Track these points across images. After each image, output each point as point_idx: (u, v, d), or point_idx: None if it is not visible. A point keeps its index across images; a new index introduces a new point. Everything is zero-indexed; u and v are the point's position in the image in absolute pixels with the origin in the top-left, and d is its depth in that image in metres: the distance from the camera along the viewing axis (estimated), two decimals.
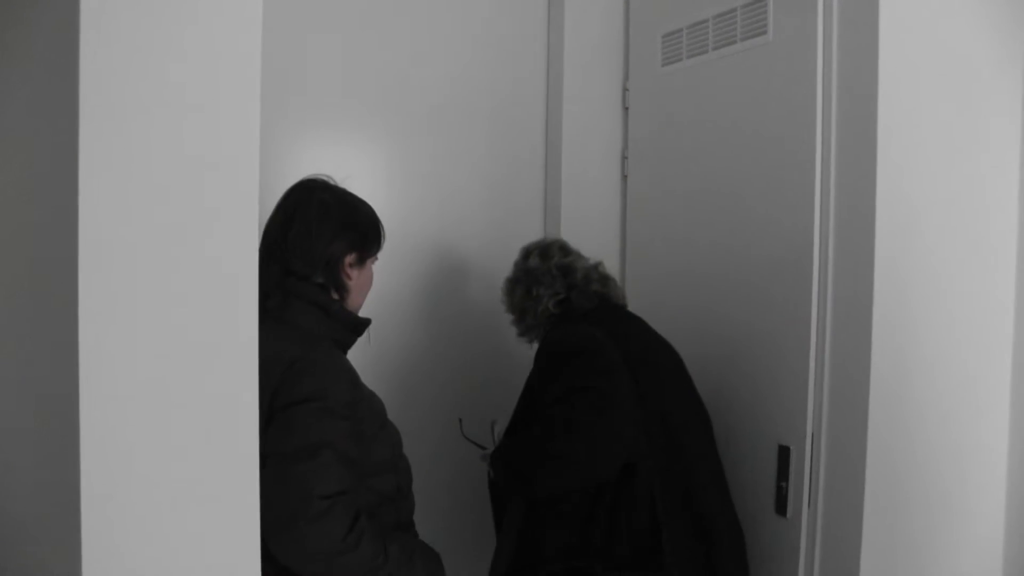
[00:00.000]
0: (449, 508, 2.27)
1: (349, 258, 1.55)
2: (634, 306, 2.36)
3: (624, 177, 2.46)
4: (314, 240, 1.51)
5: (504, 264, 2.05)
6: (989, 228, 1.83)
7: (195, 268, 1.03)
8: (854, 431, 1.70)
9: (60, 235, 1.00)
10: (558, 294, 1.91)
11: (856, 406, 1.70)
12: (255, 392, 1.08)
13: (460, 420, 2.13)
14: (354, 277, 1.57)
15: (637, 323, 1.93)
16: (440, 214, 2.38)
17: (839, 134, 1.75)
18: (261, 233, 1.54)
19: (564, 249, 1.99)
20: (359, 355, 1.61)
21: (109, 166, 0.97)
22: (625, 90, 2.44)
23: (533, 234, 2.40)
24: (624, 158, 2.46)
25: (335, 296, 1.54)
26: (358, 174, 1.79)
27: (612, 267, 2.42)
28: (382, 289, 1.66)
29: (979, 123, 1.81)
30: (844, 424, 1.74)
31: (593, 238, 2.44)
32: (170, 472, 1.02)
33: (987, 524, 1.87)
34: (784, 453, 1.85)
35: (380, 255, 1.63)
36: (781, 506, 1.85)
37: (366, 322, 1.58)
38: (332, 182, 1.60)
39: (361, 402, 1.47)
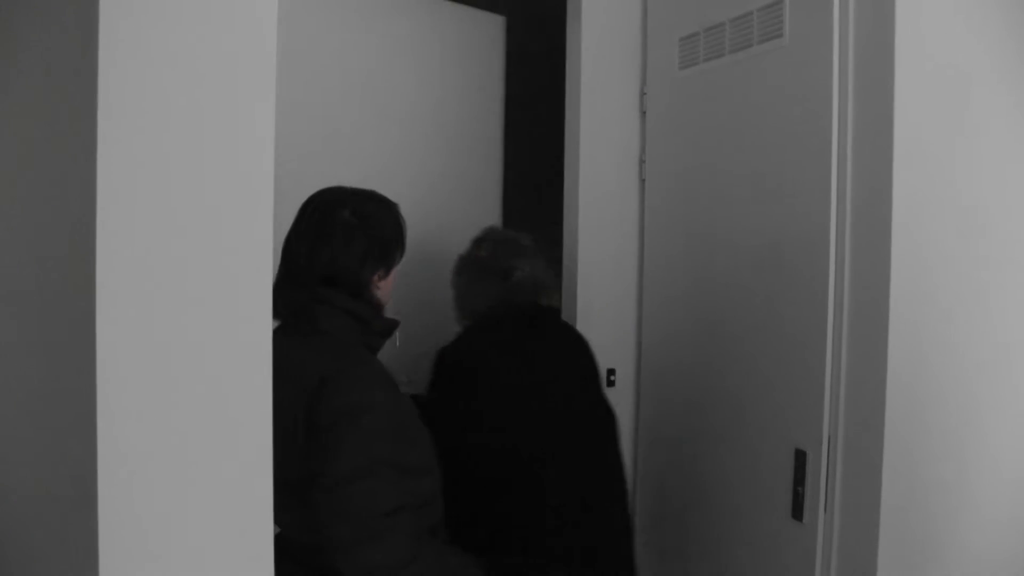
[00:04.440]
0: None
1: (377, 276, 1.56)
2: (650, 309, 2.37)
3: (642, 181, 2.46)
4: (341, 266, 1.51)
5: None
6: (1011, 227, 1.81)
7: (208, 268, 1.06)
8: (871, 434, 1.69)
9: (78, 237, 1.02)
10: (490, 301, 1.96)
11: (873, 409, 1.69)
12: (268, 389, 1.10)
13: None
14: (382, 288, 1.58)
15: (541, 332, 1.96)
16: (454, 220, 2.41)
17: (855, 136, 1.74)
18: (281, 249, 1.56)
19: (515, 248, 2.02)
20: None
21: (126, 172, 1.00)
22: (643, 94, 2.45)
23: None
24: (642, 162, 2.46)
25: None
26: (377, 180, 1.80)
27: (630, 272, 2.46)
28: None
29: (999, 123, 1.79)
30: (861, 427, 1.72)
31: (611, 243, 2.46)
32: (184, 472, 1.04)
33: (1010, 528, 1.84)
34: (800, 457, 1.83)
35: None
36: (798, 511, 1.84)
37: (396, 324, 1.59)
38: (348, 190, 1.59)
39: (401, 405, 1.47)
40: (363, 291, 1.54)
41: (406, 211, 1.65)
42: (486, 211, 2.64)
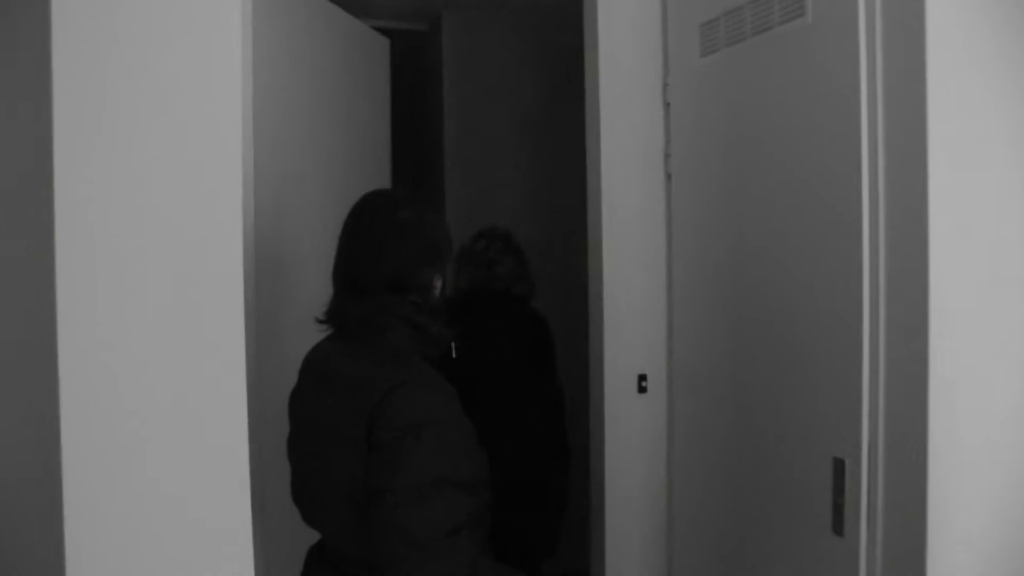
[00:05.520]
0: None
1: (435, 278, 1.54)
2: (680, 311, 2.28)
3: (668, 176, 2.35)
4: (406, 269, 1.49)
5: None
6: None
7: (176, 272, 1.03)
8: (914, 440, 1.55)
9: (36, 237, 1.00)
10: (471, 284, 2.54)
11: (915, 412, 1.55)
12: (243, 396, 1.08)
13: None
14: (438, 290, 1.57)
15: (489, 311, 2.50)
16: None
17: (886, 117, 1.61)
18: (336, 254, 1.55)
19: (503, 246, 2.54)
20: None
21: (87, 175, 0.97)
22: (665, 85, 2.34)
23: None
24: (667, 156, 2.35)
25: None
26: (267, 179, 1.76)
27: (658, 272, 2.38)
28: None
29: None
30: (903, 433, 1.59)
31: (638, 241, 2.37)
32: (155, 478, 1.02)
33: None
34: (839, 466, 1.70)
35: None
36: (838, 524, 1.71)
37: (452, 336, 1.56)
38: (396, 192, 1.59)
39: (460, 418, 1.45)
40: (427, 294, 1.52)
41: (298, 211, 1.70)
42: None
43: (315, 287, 1.62)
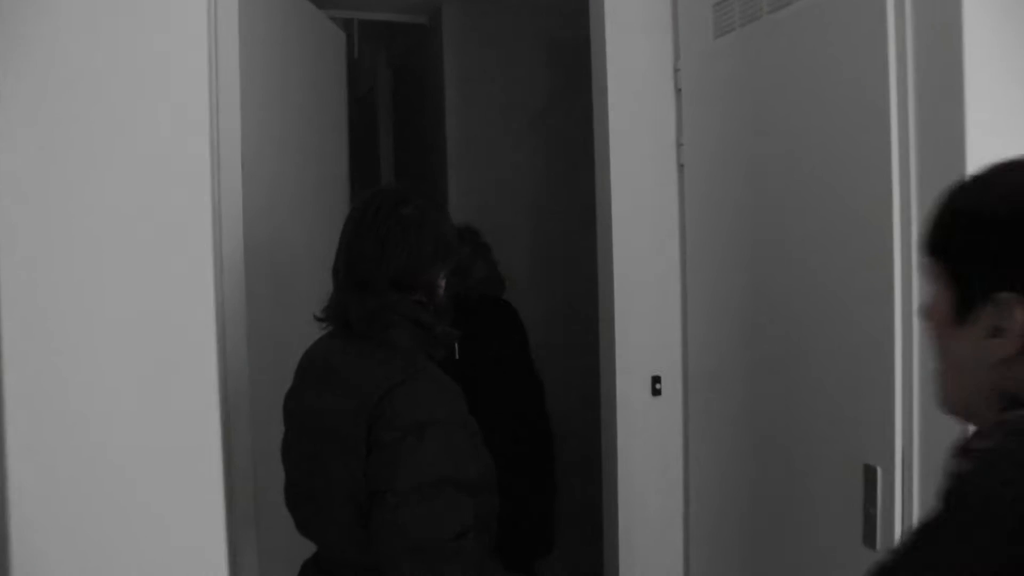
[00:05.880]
0: None
1: (440, 276, 1.51)
2: (695, 309, 2.19)
3: (680, 166, 2.24)
4: (411, 266, 1.45)
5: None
6: None
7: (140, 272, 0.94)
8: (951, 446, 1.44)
9: None
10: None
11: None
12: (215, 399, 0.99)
13: None
14: (442, 288, 1.53)
15: (476, 313, 2.55)
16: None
17: (918, 99, 1.49)
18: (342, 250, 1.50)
19: (474, 251, 2.69)
20: None
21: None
22: (676, 70, 2.23)
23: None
24: (679, 145, 2.24)
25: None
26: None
27: (672, 267, 2.27)
28: None
29: None
30: (941, 438, 1.47)
31: (649, 236, 2.26)
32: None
33: None
34: (871, 474, 1.59)
35: None
36: (870, 536, 1.59)
37: (456, 336, 1.52)
38: (402, 188, 1.57)
39: (464, 418, 1.43)
40: (432, 293, 1.49)
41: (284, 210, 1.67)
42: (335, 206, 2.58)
43: (286, 283, 1.55)
